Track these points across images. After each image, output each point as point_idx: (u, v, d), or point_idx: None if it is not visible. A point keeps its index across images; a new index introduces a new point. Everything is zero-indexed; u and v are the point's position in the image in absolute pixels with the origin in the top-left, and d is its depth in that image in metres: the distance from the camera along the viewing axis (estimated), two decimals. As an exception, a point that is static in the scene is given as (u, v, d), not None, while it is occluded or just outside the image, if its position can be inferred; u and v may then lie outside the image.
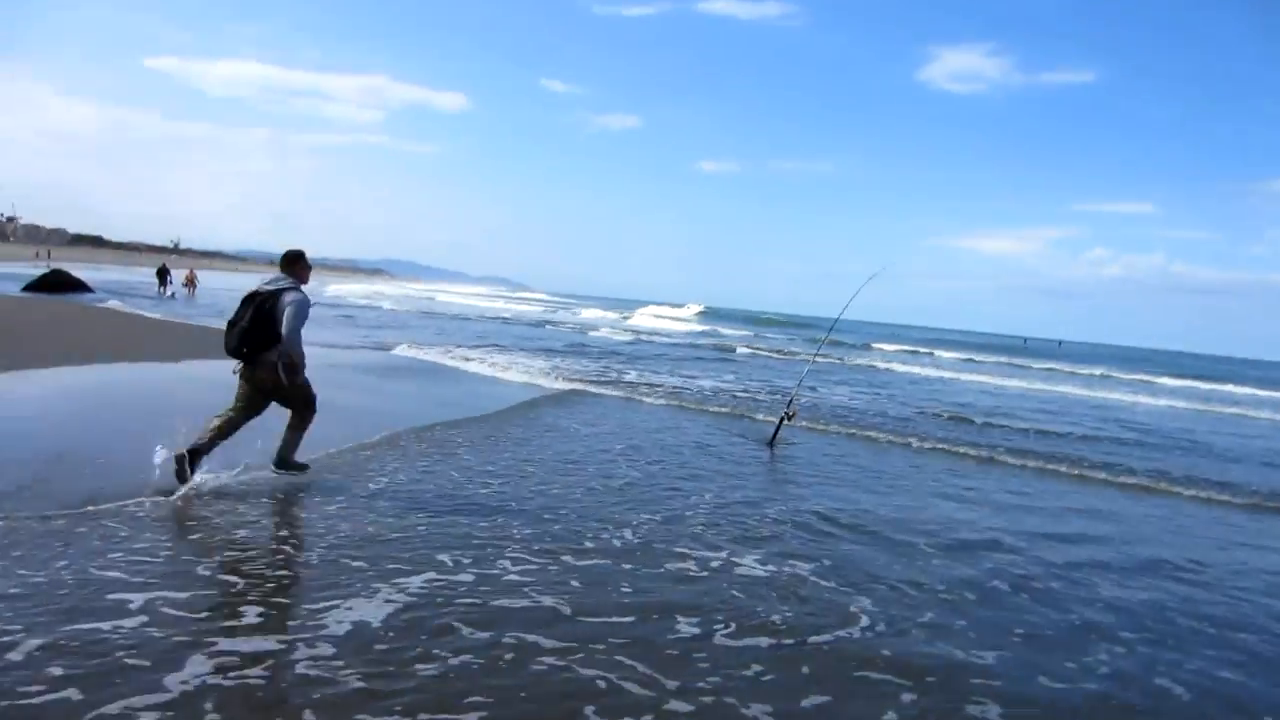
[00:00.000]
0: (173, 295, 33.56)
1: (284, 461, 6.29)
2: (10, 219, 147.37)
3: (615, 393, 14.65)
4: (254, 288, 5.96)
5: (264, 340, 5.80)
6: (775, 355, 31.90)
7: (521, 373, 16.30)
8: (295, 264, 6.12)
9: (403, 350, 19.21)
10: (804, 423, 12.42)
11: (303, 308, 5.88)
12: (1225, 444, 16.03)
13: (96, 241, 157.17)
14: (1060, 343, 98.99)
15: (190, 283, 36.29)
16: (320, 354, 16.51)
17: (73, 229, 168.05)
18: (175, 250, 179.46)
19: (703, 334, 45.27)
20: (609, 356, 23.05)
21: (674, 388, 16.25)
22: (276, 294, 5.87)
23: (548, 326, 38.11)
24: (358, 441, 8.16)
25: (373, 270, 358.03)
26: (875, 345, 48.43)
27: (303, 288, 6.09)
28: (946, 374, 29.96)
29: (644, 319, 56.81)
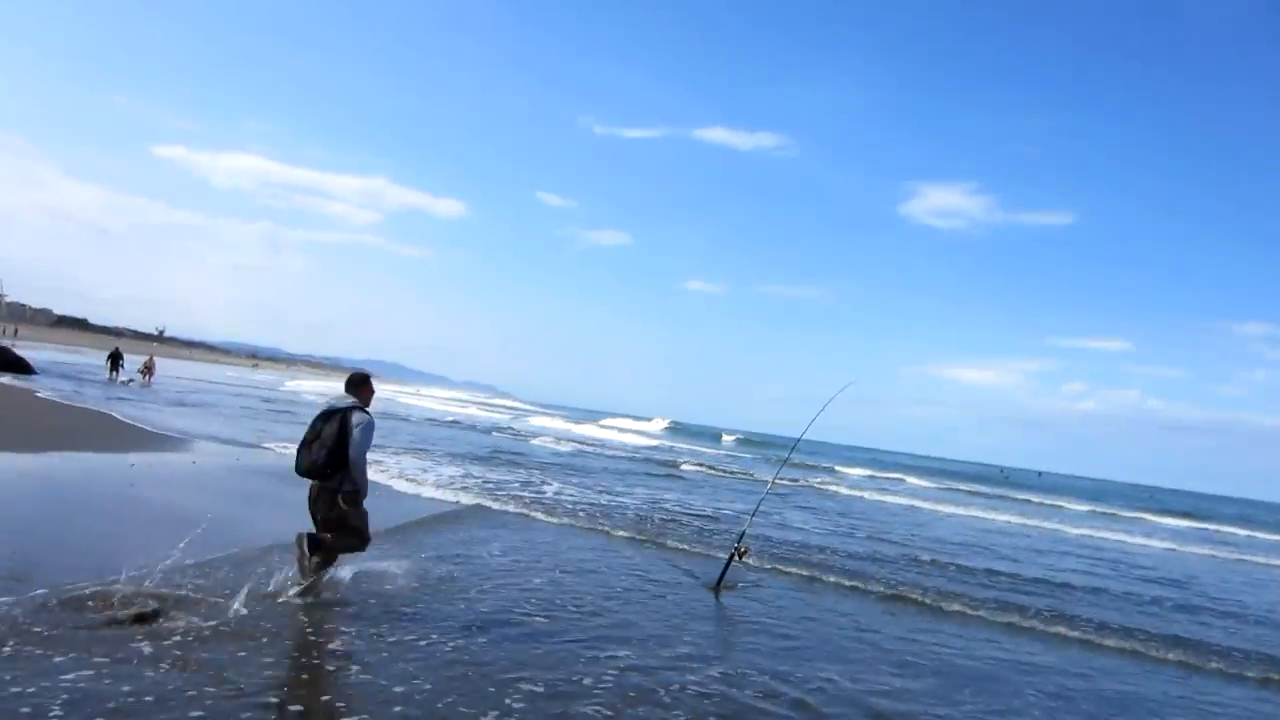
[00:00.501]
0: (128, 381, 32.21)
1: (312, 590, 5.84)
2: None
3: (530, 511, 12.19)
4: (326, 406, 5.86)
5: (339, 460, 5.67)
6: (724, 474, 28.93)
7: (426, 484, 13.81)
8: (362, 386, 6.01)
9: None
10: (755, 559, 10.21)
11: (369, 431, 5.76)
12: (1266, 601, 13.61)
13: (81, 324, 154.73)
14: (1040, 474, 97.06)
15: (147, 370, 34.70)
16: (215, 450, 14.37)
17: (59, 310, 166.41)
18: (159, 338, 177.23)
19: (656, 449, 42.01)
20: (541, 468, 20.56)
21: (599, 506, 13.80)
22: (348, 412, 5.75)
23: (495, 434, 35.65)
24: (168, 562, 5.97)
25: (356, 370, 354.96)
26: (840, 469, 45.76)
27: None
28: (922, 504, 27.46)
29: (600, 431, 53.62)
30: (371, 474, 14.09)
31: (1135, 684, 7.29)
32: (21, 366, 27.33)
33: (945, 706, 5.76)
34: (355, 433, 5.60)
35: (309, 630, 5.32)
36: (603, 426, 60.04)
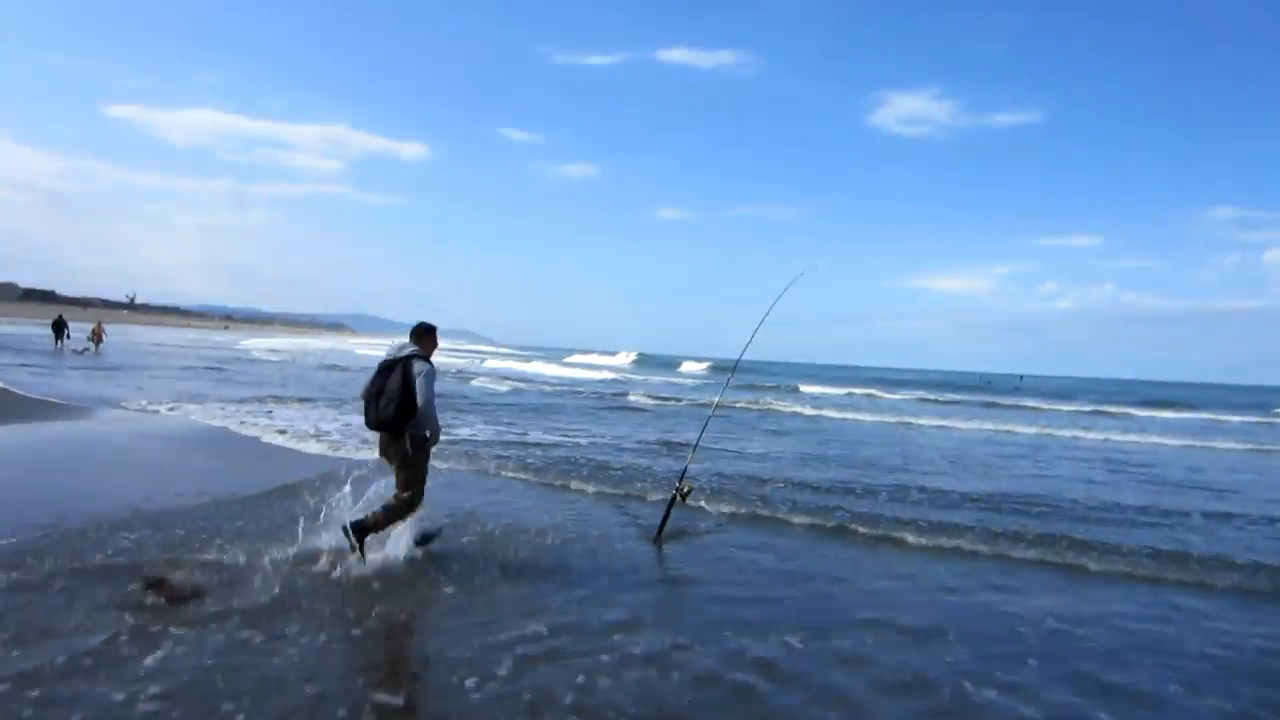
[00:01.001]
0: (81, 350, 31.17)
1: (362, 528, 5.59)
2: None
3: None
4: (386, 356, 5.79)
5: (408, 411, 5.60)
6: (674, 402, 26.53)
7: (322, 441, 11.46)
8: (426, 337, 5.98)
9: (200, 413, 14.19)
10: (704, 501, 8.49)
11: (431, 377, 5.72)
12: None
13: (49, 296, 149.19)
14: (1021, 378, 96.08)
15: (96, 337, 33.23)
16: (118, 416, 12.33)
17: (25, 283, 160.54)
18: (130, 305, 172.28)
19: (612, 381, 39.37)
20: (473, 410, 18.24)
21: (509, 445, 11.56)
22: (408, 361, 5.70)
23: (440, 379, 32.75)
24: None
25: (333, 325, 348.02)
26: (810, 388, 43.69)
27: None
28: (901, 418, 25.49)
29: (561, 370, 50.28)
30: (268, 435, 11.99)
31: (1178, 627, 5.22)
32: None
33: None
34: (419, 380, 5.58)
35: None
36: (565, 365, 57.58)
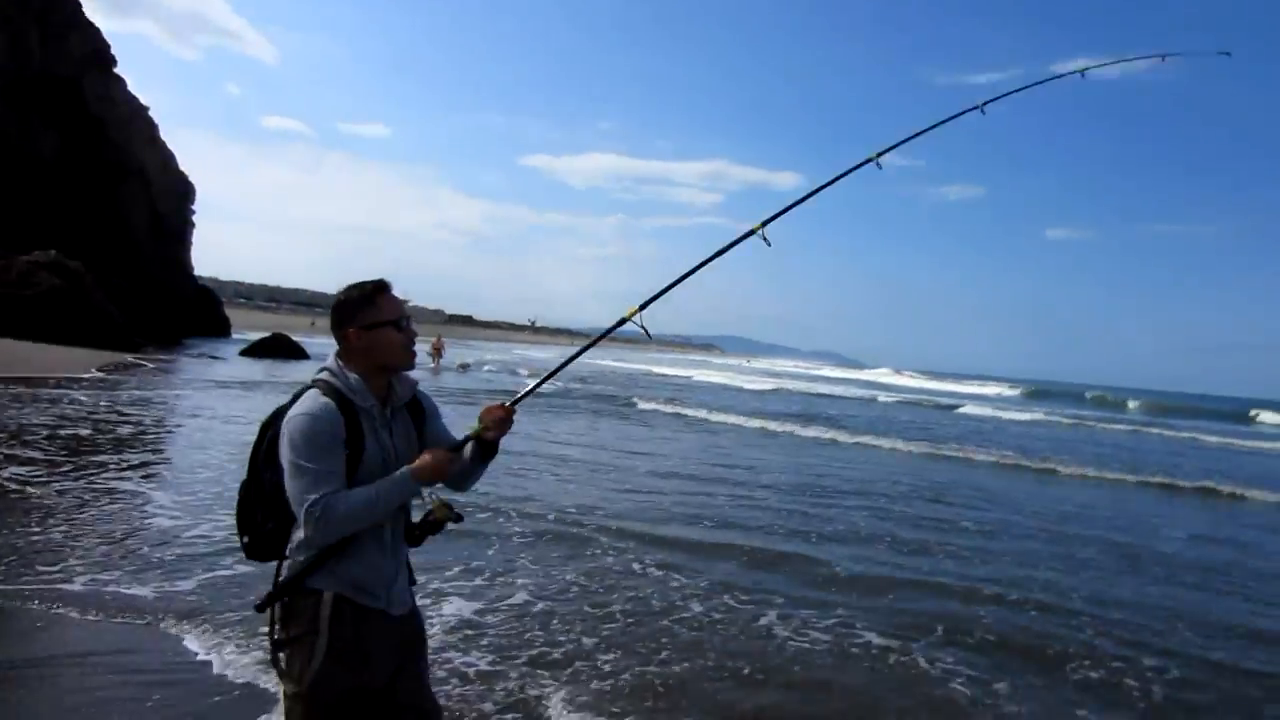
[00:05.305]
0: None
1: None
2: (404, 302, 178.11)
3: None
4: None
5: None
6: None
7: None
8: (344, 317, 3.06)
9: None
10: None
11: (310, 435, 2.62)
12: None
13: (467, 320, 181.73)
14: None
15: (436, 352, 34.40)
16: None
17: (449, 310, 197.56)
18: (531, 328, 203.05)
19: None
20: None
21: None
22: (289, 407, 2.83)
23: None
24: None
25: (704, 345, 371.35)
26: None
27: None
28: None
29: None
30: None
31: None
32: (298, 351, 29.99)
33: None
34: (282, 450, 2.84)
35: None
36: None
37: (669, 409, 22.03)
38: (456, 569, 5.99)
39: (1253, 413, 50.96)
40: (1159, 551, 8.72)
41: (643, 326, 2.63)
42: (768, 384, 44.87)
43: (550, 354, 69.07)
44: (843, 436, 18.29)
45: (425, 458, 2.20)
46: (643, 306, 2.67)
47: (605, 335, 2.77)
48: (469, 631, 4.88)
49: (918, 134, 3.38)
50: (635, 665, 4.56)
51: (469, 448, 2.31)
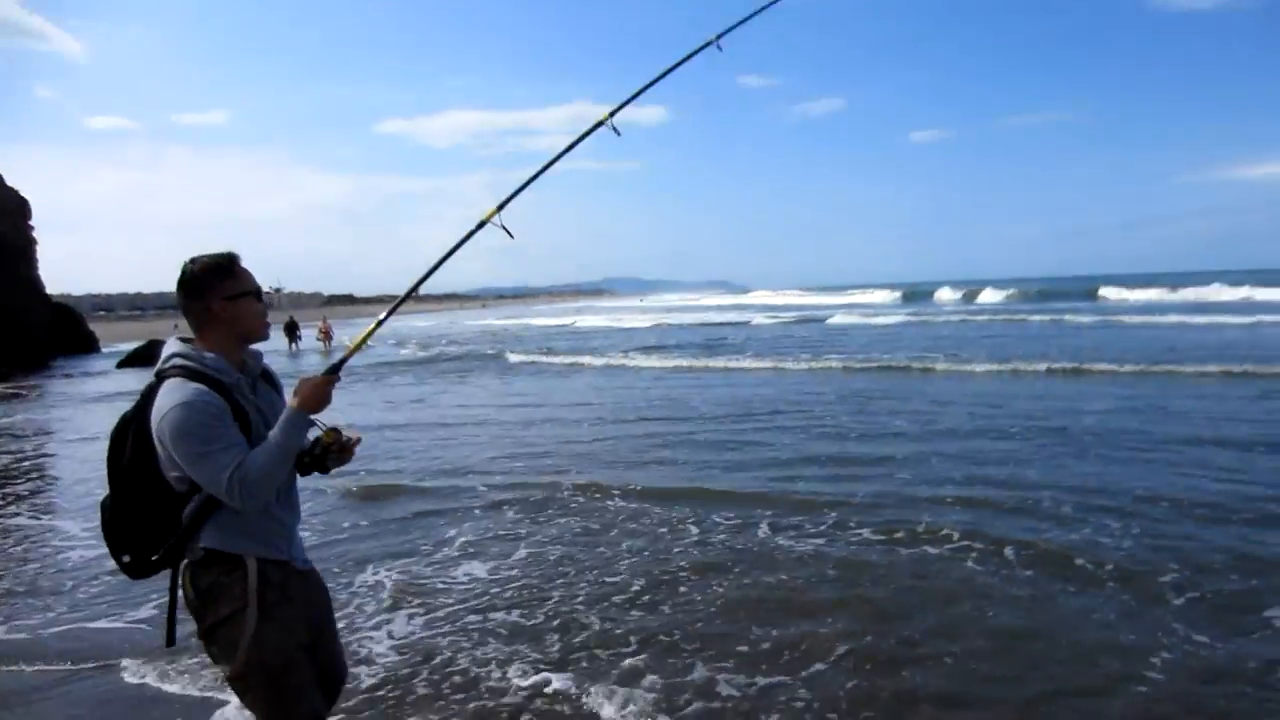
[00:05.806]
0: (324, 350, 31.62)
1: None
2: (277, 290, 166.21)
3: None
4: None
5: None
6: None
7: None
8: (195, 300, 2.53)
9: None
10: None
11: (204, 423, 2.36)
12: None
13: (348, 300, 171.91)
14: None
15: (325, 335, 33.71)
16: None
17: (327, 291, 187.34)
18: (415, 297, 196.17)
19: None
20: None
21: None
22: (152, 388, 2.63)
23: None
24: None
25: (594, 290, 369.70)
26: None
27: None
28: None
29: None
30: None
31: None
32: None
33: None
34: (170, 442, 2.62)
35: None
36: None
37: (544, 359, 23.37)
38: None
39: (1100, 290, 55.83)
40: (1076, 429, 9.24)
41: (504, 226, 2.63)
42: (645, 320, 45.84)
43: (438, 320, 67.31)
44: (700, 363, 19.97)
45: (303, 387, 2.18)
46: (500, 207, 2.66)
47: (461, 244, 2.68)
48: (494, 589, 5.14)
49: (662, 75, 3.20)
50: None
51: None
